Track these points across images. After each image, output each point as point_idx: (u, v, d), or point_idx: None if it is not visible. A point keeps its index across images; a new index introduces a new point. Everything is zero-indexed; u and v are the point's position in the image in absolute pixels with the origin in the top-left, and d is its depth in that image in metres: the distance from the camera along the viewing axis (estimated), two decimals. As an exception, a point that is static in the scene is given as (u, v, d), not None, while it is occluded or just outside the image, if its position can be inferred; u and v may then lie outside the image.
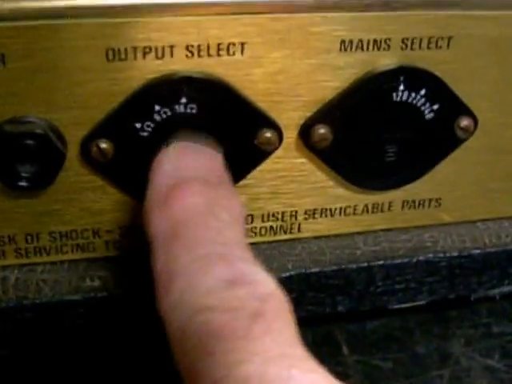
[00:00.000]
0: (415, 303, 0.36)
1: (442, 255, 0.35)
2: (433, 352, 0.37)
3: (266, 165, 0.32)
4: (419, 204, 0.35)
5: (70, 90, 0.28)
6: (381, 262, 0.34)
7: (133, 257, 0.32)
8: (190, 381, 0.23)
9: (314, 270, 0.33)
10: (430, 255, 0.35)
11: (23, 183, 0.28)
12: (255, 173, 0.32)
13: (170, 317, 0.24)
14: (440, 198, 0.35)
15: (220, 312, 0.22)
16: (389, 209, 0.35)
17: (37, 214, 0.30)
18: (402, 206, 0.35)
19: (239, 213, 0.27)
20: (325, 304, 0.34)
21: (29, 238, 0.31)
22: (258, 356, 0.21)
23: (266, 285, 0.24)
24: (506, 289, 0.37)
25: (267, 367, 0.21)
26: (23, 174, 0.28)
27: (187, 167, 0.28)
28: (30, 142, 0.27)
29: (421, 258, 0.35)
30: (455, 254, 0.35)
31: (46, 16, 0.26)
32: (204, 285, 0.23)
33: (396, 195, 0.35)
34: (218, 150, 0.30)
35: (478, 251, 0.36)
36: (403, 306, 0.36)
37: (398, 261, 0.34)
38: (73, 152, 0.29)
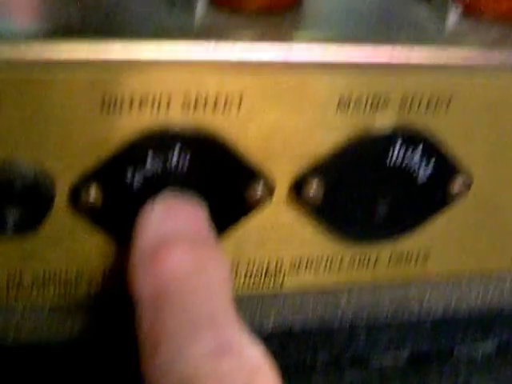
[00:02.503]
0: (396, 359, 0.36)
1: (426, 313, 0.35)
2: (411, 405, 0.37)
3: (254, 216, 0.31)
4: (406, 259, 0.35)
5: (63, 138, 0.27)
6: (364, 318, 0.34)
7: (116, 302, 0.31)
8: None
9: (296, 325, 0.33)
10: (415, 313, 0.34)
11: (9, 227, 0.28)
12: (243, 223, 0.31)
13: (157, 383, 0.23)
14: (427, 254, 0.35)
15: None
16: (375, 264, 0.35)
17: (20, 255, 0.30)
18: (389, 261, 0.35)
19: (226, 274, 0.27)
20: (305, 359, 0.33)
21: (10, 278, 0.30)
22: None
23: (254, 355, 0.23)
24: (488, 346, 0.37)
25: None
26: (10, 218, 0.28)
27: (173, 225, 0.28)
28: (18, 187, 0.27)
29: (405, 315, 0.34)
30: (440, 311, 0.35)
31: (41, 68, 0.26)
32: (193, 353, 0.23)
33: (383, 251, 0.34)
34: (203, 204, 0.30)
35: (463, 309, 0.35)
36: (384, 362, 0.36)
37: (382, 317, 0.34)
38: (62, 197, 0.28)
